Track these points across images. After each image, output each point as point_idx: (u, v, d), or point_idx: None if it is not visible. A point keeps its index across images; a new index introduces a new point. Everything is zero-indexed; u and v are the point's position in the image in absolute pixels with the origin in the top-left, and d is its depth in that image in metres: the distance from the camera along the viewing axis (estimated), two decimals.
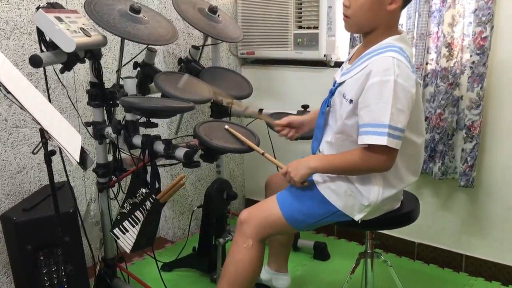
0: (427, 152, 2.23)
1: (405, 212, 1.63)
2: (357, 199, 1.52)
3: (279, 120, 1.84)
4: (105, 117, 2.02)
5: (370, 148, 1.40)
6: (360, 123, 1.42)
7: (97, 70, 1.91)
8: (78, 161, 1.32)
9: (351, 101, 1.45)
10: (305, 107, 2.35)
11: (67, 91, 2.10)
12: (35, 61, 1.56)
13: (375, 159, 1.41)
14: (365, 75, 1.41)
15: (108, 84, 2.06)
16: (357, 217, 1.53)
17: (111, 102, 1.99)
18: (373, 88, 1.38)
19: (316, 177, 1.58)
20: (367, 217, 1.54)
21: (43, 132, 1.36)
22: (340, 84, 1.54)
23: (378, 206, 1.53)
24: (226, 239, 2.21)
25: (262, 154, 1.75)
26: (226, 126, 1.87)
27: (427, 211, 2.34)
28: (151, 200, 1.81)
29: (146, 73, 2.11)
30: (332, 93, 1.58)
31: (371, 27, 1.48)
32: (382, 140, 1.36)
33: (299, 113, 2.31)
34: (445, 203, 2.34)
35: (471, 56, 2.01)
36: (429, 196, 2.37)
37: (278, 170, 2.17)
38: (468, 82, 2.04)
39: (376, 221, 1.57)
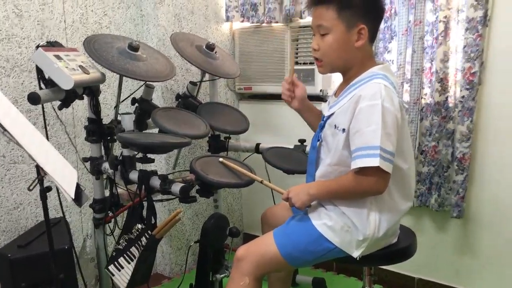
0: (426, 185, 2.23)
1: (402, 247, 1.62)
2: (354, 235, 1.52)
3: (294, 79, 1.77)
4: (103, 153, 2.03)
5: (363, 171, 1.41)
6: (352, 148, 1.44)
7: (95, 107, 1.94)
8: (73, 198, 1.33)
9: (343, 130, 1.48)
10: (302, 141, 2.36)
11: (65, 127, 2.12)
12: (33, 99, 1.59)
13: (368, 182, 1.42)
14: (354, 102, 1.45)
15: (106, 120, 2.08)
16: (355, 253, 1.52)
17: (109, 137, 2.01)
18: (363, 113, 1.41)
19: (312, 214, 1.58)
20: (365, 252, 1.53)
21: (39, 169, 1.37)
22: (329, 116, 1.56)
23: (376, 241, 1.53)
24: (224, 275, 2.18)
25: (261, 182, 1.75)
26: (221, 159, 1.87)
27: (425, 244, 2.32)
28: (147, 236, 1.80)
29: (144, 109, 2.13)
30: (322, 127, 1.60)
31: (345, 66, 1.54)
32: (375, 162, 1.37)
33: (296, 147, 2.32)
34: (443, 236, 2.33)
35: (461, 91, 2.05)
36: (427, 229, 2.36)
37: (274, 203, 2.18)
38: (458, 116, 2.07)
39: (373, 257, 1.55)
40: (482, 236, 2.22)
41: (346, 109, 1.47)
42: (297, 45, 2.62)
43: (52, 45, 1.76)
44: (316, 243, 1.55)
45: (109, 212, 2.07)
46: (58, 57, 1.67)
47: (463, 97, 2.04)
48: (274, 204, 2.19)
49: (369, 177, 1.41)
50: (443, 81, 2.09)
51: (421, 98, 2.18)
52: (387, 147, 1.39)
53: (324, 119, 1.59)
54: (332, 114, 1.54)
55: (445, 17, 2.04)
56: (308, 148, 2.27)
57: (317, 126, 1.70)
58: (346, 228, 1.52)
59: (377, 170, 1.38)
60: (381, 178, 1.42)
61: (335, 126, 1.51)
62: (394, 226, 1.57)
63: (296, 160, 2.19)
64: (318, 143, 1.61)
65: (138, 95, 2.18)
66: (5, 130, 1.24)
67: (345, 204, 1.52)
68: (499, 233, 2.17)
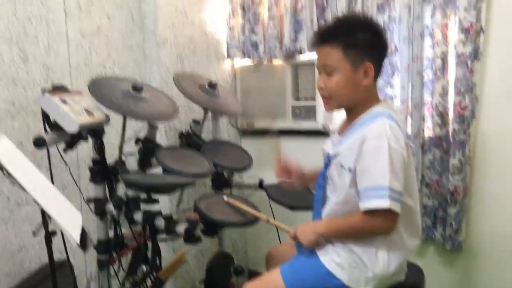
0: (431, 218, 2.22)
1: (410, 285, 1.60)
2: (363, 271, 1.50)
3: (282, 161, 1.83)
4: (107, 193, 2.03)
5: (372, 211, 1.41)
6: (360, 188, 1.44)
7: (99, 148, 1.95)
8: (78, 243, 1.32)
9: (349, 169, 1.48)
10: None
11: (69, 168, 2.12)
12: (38, 142, 1.60)
13: (378, 222, 1.42)
14: (359, 141, 1.45)
15: (110, 159, 2.09)
16: None
17: (113, 178, 2.02)
18: (369, 153, 1.42)
19: (320, 251, 1.57)
20: None
21: (44, 214, 1.37)
22: (335, 155, 1.57)
23: (385, 279, 1.51)
24: None
25: (267, 221, 1.75)
26: (226, 199, 1.87)
27: (432, 279, 2.29)
28: (152, 278, 1.79)
29: (148, 148, 2.14)
30: (327, 165, 1.61)
31: (351, 103, 1.56)
32: (385, 203, 1.38)
33: (301, 186, 2.32)
34: (449, 270, 2.31)
35: (452, 124, 2.07)
36: (434, 263, 2.34)
37: (279, 239, 2.16)
38: (450, 149, 2.09)
39: None
40: (485, 271, 2.20)
41: (351, 148, 1.48)
42: (298, 81, 2.66)
43: (57, 89, 1.79)
44: (324, 280, 1.53)
45: (113, 253, 2.05)
46: (63, 101, 1.69)
47: (454, 130, 2.06)
48: (279, 240, 2.18)
49: (379, 217, 1.41)
50: (442, 115, 2.11)
51: (423, 131, 2.19)
52: (396, 187, 1.39)
53: (329, 158, 1.59)
54: (338, 153, 1.55)
55: (442, 52, 2.08)
56: (311, 184, 2.28)
57: None
58: (354, 265, 1.51)
59: (386, 210, 1.38)
60: (390, 218, 1.42)
61: (341, 165, 1.51)
62: (403, 263, 1.55)
63: (299, 196, 2.19)
64: (323, 182, 1.61)
65: (141, 134, 2.20)
66: (10, 175, 1.25)
67: (353, 241, 1.51)
68: (504, 267, 2.14)
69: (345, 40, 1.48)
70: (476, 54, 1.99)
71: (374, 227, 1.44)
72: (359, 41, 1.49)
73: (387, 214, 1.40)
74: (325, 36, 1.53)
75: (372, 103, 1.54)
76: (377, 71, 1.54)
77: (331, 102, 1.57)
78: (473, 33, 1.97)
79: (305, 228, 1.57)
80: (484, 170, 2.13)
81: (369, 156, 1.42)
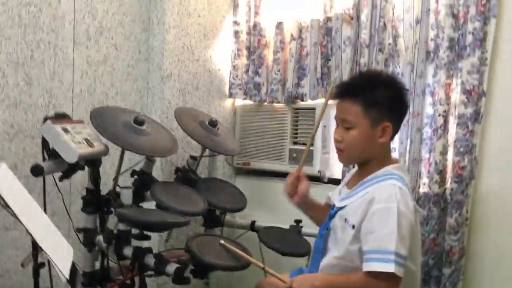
0: (421, 275, 2.20)
1: None
2: None
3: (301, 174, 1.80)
4: (97, 224, 2.00)
5: (376, 274, 1.39)
6: (365, 249, 1.42)
7: (95, 178, 1.93)
8: (68, 279, 1.29)
9: (353, 226, 1.47)
10: (298, 221, 2.35)
11: (62, 195, 2.10)
12: (36, 171, 1.59)
13: (379, 286, 1.40)
14: (367, 201, 1.45)
15: (104, 189, 2.07)
16: None
17: (105, 209, 1.99)
18: (378, 215, 1.41)
19: None
20: None
21: (35, 245, 1.34)
22: (340, 208, 1.56)
23: None
24: None
25: (263, 268, 1.72)
26: (222, 242, 1.85)
27: None
28: None
29: (143, 181, 2.13)
30: (331, 216, 1.60)
31: (365, 159, 1.56)
32: (390, 268, 1.36)
33: (292, 228, 2.31)
34: None
35: (450, 183, 2.08)
36: None
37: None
38: (447, 209, 2.09)
39: None
40: None
41: (358, 205, 1.47)
42: (297, 125, 2.67)
43: (60, 116, 1.79)
44: None
45: (98, 286, 2.01)
46: (65, 130, 1.69)
47: (452, 189, 2.07)
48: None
49: (381, 281, 1.39)
50: (442, 173, 2.12)
51: (419, 187, 2.20)
52: (401, 251, 1.38)
53: (335, 209, 1.59)
54: (344, 206, 1.54)
55: (444, 111, 2.10)
56: (304, 229, 2.26)
57: (316, 219, 1.71)
58: None
59: (390, 274, 1.37)
60: (393, 283, 1.40)
61: (345, 220, 1.51)
62: None
63: (291, 242, 2.18)
64: (326, 231, 1.60)
65: (138, 167, 2.19)
66: (7, 206, 1.23)
67: None
68: None
69: (366, 98, 1.49)
70: (477, 116, 2.02)
71: None
72: (380, 100, 1.50)
73: (390, 278, 1.38)
74: (348, 91, 1.54)
75: (386, 161, 1.54)
76: (395, 131, 1.55)
77: (344, 155, 1.57)
78: (475, 95, 2.01)
79: (302, 280, 1.54)
80: (480, 231, 2.12)
81: (377, 218, 1.41)
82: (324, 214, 1.71)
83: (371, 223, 1.42)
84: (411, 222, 1.42)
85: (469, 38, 2.00)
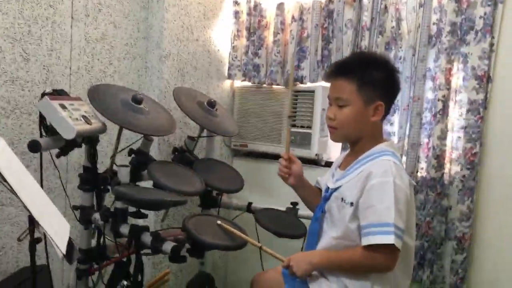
0: (416, 259, 2.22)
1: None
2: None
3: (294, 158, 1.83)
4: (94, 202, 1.99)
5: (374, 247, 1.41)
6: (363, 224, 1.44)
7: (92, 156, 1.92)
8: (65, 254, 1.29)
9: (352, 203, 1.48)
10: (294, 204, 2.35)
11: (59, 172, 2.09)
12: (33, 147, 1.57)
13: (379, 259, 1.42)
14: (364, 177, 1.47)
15: (101, 168, 2.06)
16: None
17: (102, 187, 1.98)
18: (375, 189, 1.43)
19: (313, 284, 1.56)
20: None
21: (32, 220, 1.34)
22: (336, 189, 1.57)
23: None
24: None
25: (260, 247, 1.73)
26: (219, 222, 1.85)
27: None
28: None
29: (141, 161, 2.11)
30: (326, 199, 1.60)
31: (357, 137, 1.58)
32: (389, 239, 1.38)
33: (288, 210, 2.31)
34: None
35: (461, 170, 2.09)
36: None
37: (262, 264, 2.14)
38: (458, 195, 2.10)
39: None
40: None
41: (354, 183, 1.48)
42: (296, 108, 2.66)
43: (58, 93, 1.77)
44: None
45: (94, 263, 2.01)
46: (63, 106, 1.67)
47: (463, 176, 2.07)
48: (262, 265, 2.16)
49: (381, 254, 1.41)
50: (439, 158, 2.13)
51: (417, 171, 2.21)
52: (399, 224, 1.40)
53: (329, 191, 1.59)
54: (339, 187, 1.55)
55: (444, 96, 2.10)
56: (300, 212, 2.27)
57: (311, 202, 1.72)
58: None
59: (388, 247, 1.39)
60: (392, 255, 1.42)
61: (342, 199, 1.51)
62: None
63: (287, 223, 2.18)
64: (321, 214, 1.61)
65: (135, 146, 2.18)
66: (5, 180, 1.22)
67: (348, 276, 1.50)
68: None
69: (361, 76, 1.51)
70: (484, 102, 2.03)
71: (375, 263, 1.43)
72: (374, 79, 1.52)
73: (389, 251, 1.40)
74: (342, 69, 1.56)
75: (377, 140, 1.56)
76: (387, 110, 1.57)
77: (337, 133, 1.59)
78: (485, 81, 2.01)
79: (299, 257, 1.55)
80: (486, 218, 2.14)
81: (374, 193, 1.43)
82: (317, 195, 1.72)
83: (369, 198, 1.44)
84: (407, 196, 1.45)
85: (480, 23, 2.00)
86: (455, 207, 2.13)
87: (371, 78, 1.52)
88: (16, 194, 1.25)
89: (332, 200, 1.57)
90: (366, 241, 1.42)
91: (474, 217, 2.11)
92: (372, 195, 1.43)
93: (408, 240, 1.51)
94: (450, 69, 2.11)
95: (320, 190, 1.79)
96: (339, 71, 1.57)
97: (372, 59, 1.61)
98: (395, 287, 1.52)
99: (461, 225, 2.08)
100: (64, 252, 1.30)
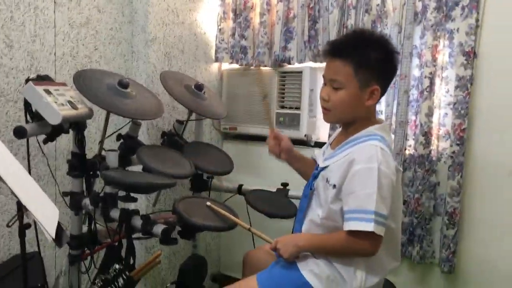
0: (406, 235, 2.25)
1: None
2: (340, 285, 1.51)
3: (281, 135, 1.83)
4: (84, 188, 1.99)
5: (356, 233, 1.41)
6: (345, 209, 1.44)
7: (80, 141, 1.91)
8: (54, 238, 1.29)
9: (334, 186, 1.48)
10: (285, 185, 2.37)
11: (47, 159, 2.08)
12: (19, 132, 1.56)
13: (361, 245, 1.43)
14: (348, 162, 1.45)
15: (89, 154, 2.05)
16: None
17: (91, 173, 1.98)
18: (358, 175, 1.42)
19: (300, 261, 1.57)
20: None
21: (20, 205, 1.34)
22: (323, 168, 1.57)
23: None
24: None
25: (248, 229, 1.75)
26: (208, 203, 1.86)
27: None
28: (124, 277, 1.76)
29: (129, 145, 2.11)
30: (315, 176, 1.61)
31: (350, 120, 1.56)
32: (369, 226, 1.38)
33: (279, 191, 2.32)
34: (424, 287, 2.33)
35: (451, 146, 2.10)
36: (408, 280, 2.36)
37: (254, 246, 2.16)
38: (449, 171, 2.12)
39: None
40: None
41: (339, 165, 1.48)
42: (284, 90, 2.66)
43: (42, 78, 1.75)
44: None
45: (85, 249, 2.02)
46: (47, 92, 1.66)
47: (453, 152, 2.09)
48: (254, 246, 2.18)
49: (362, 239, 1.41)
50: (427, 135, 2.14)
51: (405, 149, 2.22)
52: (382, 210, 1.40)
53: (318, 169, 1.60)
54: (327, 167, 1.55)
55: (430, 73, 2.11)
56: (290, 192, 2.28)
57: (308, 174, 1.71)
58: (332, 278, 1.51)
59: (370, 233, 1.39)
60: (374, 242, 1.42)
61: (327, 180, 1.52)
62: (380, 281, 1.57)
63: (278, 204, 2.20)
64: (310, 191, 1.62)
65: (123, 131, 2.17)
66: None
67: (333, 256, 1.52)
68: None
69: (358, 59, 1.47)
70: (471, 78, 2.04)
71: (357, 248, 1.44)
72: (372, 62, 1.47)
73: (371, 237, 1.40)
74: (339, 50, 1.51)
75: (370, 122, 1.54)
76: (382, 93, 1.54)
77: (330, 115, 1.56)
78: (472, 57, 2.02)
79: (286, 240, 1.56)
80: (474, 193, 2.16)
81: (357, 179, 1.42)
82: (312, 166, 1.72)
83: (352, 184, 1.43)
84: (392, 182, 1.43)
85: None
86: (444, 183, 2.15)
87: (369, 61, 1.47)
88: (3, 180, 1.24)
89: (319, 178, 1.58)
90: (347, 226, 1.43)
91: (464, 192, 2.13)
92: (355, 181, 1.42)
93: (392, 223, 1.50)
94: (436, 46, 2.11)
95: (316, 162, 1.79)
96: (336, 51, 1.52)
97: (371, 39, 1.55)
98: (380, 269, 1.53)
99: (452, 200, 2.11)
100: (54, 236, 1.30)
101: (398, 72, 2.19)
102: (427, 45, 2.11)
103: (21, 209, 1.34)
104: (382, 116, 2.28)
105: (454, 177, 2.09)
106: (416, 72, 2.19)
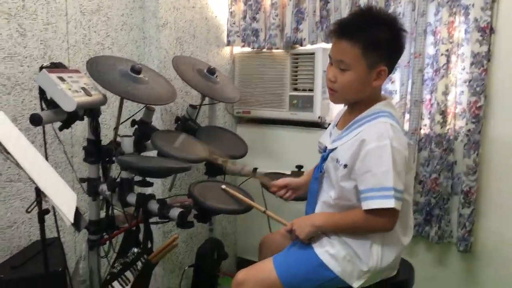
0: (423, 215, 2.24)
1: (400, 280, 1.61)
2: (356, 265, 1.51)
3: (276, 181, 1.85)
4: (100, 174, 2.02)
5: (374, 210, 1.41)
6: (362, 188, 1.43)
7: (95, 128, 1.93)
8: (72, 222, 1.31)
9: (345, 165, 1.47)
10: (299, 167, 2.37)
11: (63, 146, 2.10)
12: (35, 120, 1.58)
13: (380, 221, 1.43)
14: (359, 141, 1.44)
15: (105, 140, 2.08)
16: (356, 284, 1.51)
17: (107, 159, 2.00)
18: (371, 154, 1.41)
19: (315, 242, 1.57)
20: (365, 283, 1.52)
21: (38, 191, 1.36)
22: (332, 150, 1.56)
23: (378, 272, 1.52)
24: None
25: (264, 211, 1.75)
26: (223, 186, 1.87)
27: (423, 276, 2.31)
28: (143, 260, 1.78)
29: (144, 131, 2.12)
30: (324, 158, 1.60)
31: (357, 100, 1.55)
32: (390, 203, 1.38)
33: (293, 173, 2.32)
34: (442, 268, 2.32)
35: (466, 124, 2.07)
36: (425, 260, 2.35)
37: (270, 229, 2.17)
38: (464, 149, 2.09)
39: None
40: (484, 270, 2.21)
41: (349, 145, 1.47)
42: (297, 72, 2.65)
43: (56, 66, 1.76)
44: (316, 272, 1.54)
45: (104, 234, 2.05)
46: (61, 79, 1.67)
47: (469, 130, 2.06)
48: (270, 229, 2.19)
49: (381, 217, 1.42)
50: (444, 113, 2.11)
51: (420, 128, 2.20)
52: (398, 186, 1.40)
53: (327, 151, 1.59)
54: (336, 148, 1.54)
55: (447, 50, 2.07)
56: None
57: None
58: (348, 258, 1.51)
59: (389, 210, 1.39)
60: (392, 217, 1.43)
61: (337, 160, 1.51)
62: (396, 259, 1.56)
63: None
64: (320, 174, 1.61)
65: (137, 117, 2.18)
66: (8, 153, 1.23)
67: (348, 234, 1.52)
68: (501, 268, 2.16)
69: (365, 40, 1.44)
70: (487, 54, 2.00)
71: (376, 226, 1.44)
72: (379, 43, 1.44)
73: (390, 213, 1.41)
74: (346, 30, 1.48)
75: (376, 99, 1.53)
76: (389, 73, 1.52)
77: (337, 96, 1.54)
78: (488, 32, 1.97)
79: (302, 221, 1.57)
80: (490, 171, 2.14)
81: (371, 157, 1.41)
82: None
83: (366, 163, 1.42)
84: (405, 157, 1.43)
85: None
86: (461, 162, 2.13)
87: (376, 41, 1.44)
88: (20, 166, 1.26)
89: (329, 160, 1.57)
90: (366, 205, 1.42)
91: (480, 170, 2.11)
92: (369, 160, 1.41)
93: (406, 196, 1.50)
94: (452, 22, 2.07)
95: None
96: (343, 32, 1.48)
97: (379, 18, 1.50)
98: (396, 243, 1.53)
99: (468, 179, 2.08)
100: (72, 221, 1.32)
101: (412, 51, 2.17)
102: (442, 21, 2.07)
103: (39, 195, 1.36)
104: (397, 96, 2.25)
105: (470, 155, 2.06)
106: (430, 50, 2.15)
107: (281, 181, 1.84)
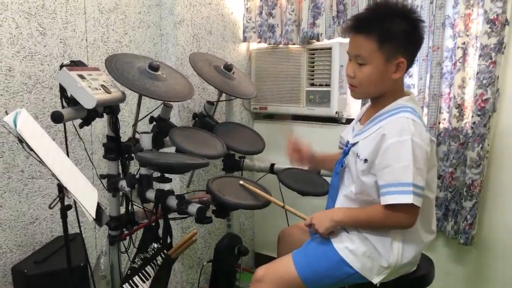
0: (442, 210, 2.22)
1: (420, 275, 1.61)
2: (376, 260, 1.51)
3: (296, 142, 1.85)
4: (120, 170, 2.04)
5: (394, 206, 1.40)
6: (382, 184, 1.43)
7: (114, 125, 1.95)
8: (94, 218, 1.34)
9: (365, 160, 1.47)
10: None
11: (83, 143, 2.14)
12: (56, 117, 1.60)
13: (399, 217, 1.42)
14: (380, 136, 1.44)
15: (124, 137, 2.10)
16: (376, 279, 1.51)
17: (127, 155, 2.03)
18: (392, 149, 1.40)
19: (334, 238, 1.58)
20: (384, 279, 1.52)
21: (61, 187, 1.38)
22: (354, 144, 1.56)
23: (398, 268, 1.52)
24: None
25: (283, 207, 1.76)
26: (241, 182, 1.88)
27: (440, 271, 2.29)
28: (163, 256, 1.80)
29: (162, 127, 2.15)
30: (345, 153, 1.60)
31: (378, 94, 1.54)
32: (408, 199, 1.37)
33: (311, 168, 2.32)
34: (458, 263, 2.31)
35: (472, 116, 2.05)
36: (443, 255, 2.34)
37: (288, 223, 2.17)
38: (469, 142, 2.07)
39: (391, 284, 1.54)
40: (497, 265, 2.20)
41: (370, 140, 1.47)
42: (313, 67, 2.64)
43: (75, 64, 1.79)
44: (336, 268, 1.54)
45: (124, 229, 2.08)
46: (81, 77, 1.69)
47: (474, 123, 2.04)
48: (288, 224, 2.20)
49: (400, 213, 1.41)
50: (460, 107, 2.09)
51: (439, 123, 2.18)
52: (419, 182, 1.38)
53: (349, 146, 1.59)
54: (357, 142, 1.54)
55: (464, 43, 2.05)
56: (322, 170, 2.28)
57: None
58: (368, 254, 1.51)
59: (408, 206, 1.38)
60: (412, 213, 1.42)
61: (357, 155, 1.51)
62: (416, 256, 1.56)
63: (310, 182, 2.19)
64: (341, 168, 1.61)
65: (156, 113, 2.21)
66: (31, 149, 1.26)
67: (368, 230, 1.52)
68: None
69: (381, 32, 1.44)
70: (500, 47, 1.96)
71: (395, 221, 1.44)
72: (395, 34, 1.44)
73: (409, 209, 1.40)
74: (361, 25, 1.48)
75: (398, 94, 1.52)
76: (409, 65, 1.51)
77: (357, 91, 1.55)
78: (499, 24, 1.94)
79: (321, 215, 1.57)
80: (500, 164, 2.11)
81: (391, 152, 1.40)
82: None
83: (386, 158, 1.41)
84: (427, 153, 1.42)
85: None
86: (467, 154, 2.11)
87: (392, 33, 1.44)
88: (44, 162, 1.29)
89: (350, 154, 1.57)
90: (385, 201, 1.41)
91: (488, 163, 2.10)
92: (388, 155, 1.41)
93: (429, 193, 1.49)
94: (469, 15, 2.04)
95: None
96: (358, 26, 1.49)
97: (393, 10, 1.50)
98: (417, 240, 1.52)
99: (471, 172, 2.07)
100: (94, 216, 1.34)
101: (430, 44, 2.14)
102: (460, 14, 2.05)
103: (62, 191, 1.39)
104: (415, 90, 2.23)
105: (474, 148, 2.04)
106: (449, 43, 2.13)
107: (299, 144, 1.84)
